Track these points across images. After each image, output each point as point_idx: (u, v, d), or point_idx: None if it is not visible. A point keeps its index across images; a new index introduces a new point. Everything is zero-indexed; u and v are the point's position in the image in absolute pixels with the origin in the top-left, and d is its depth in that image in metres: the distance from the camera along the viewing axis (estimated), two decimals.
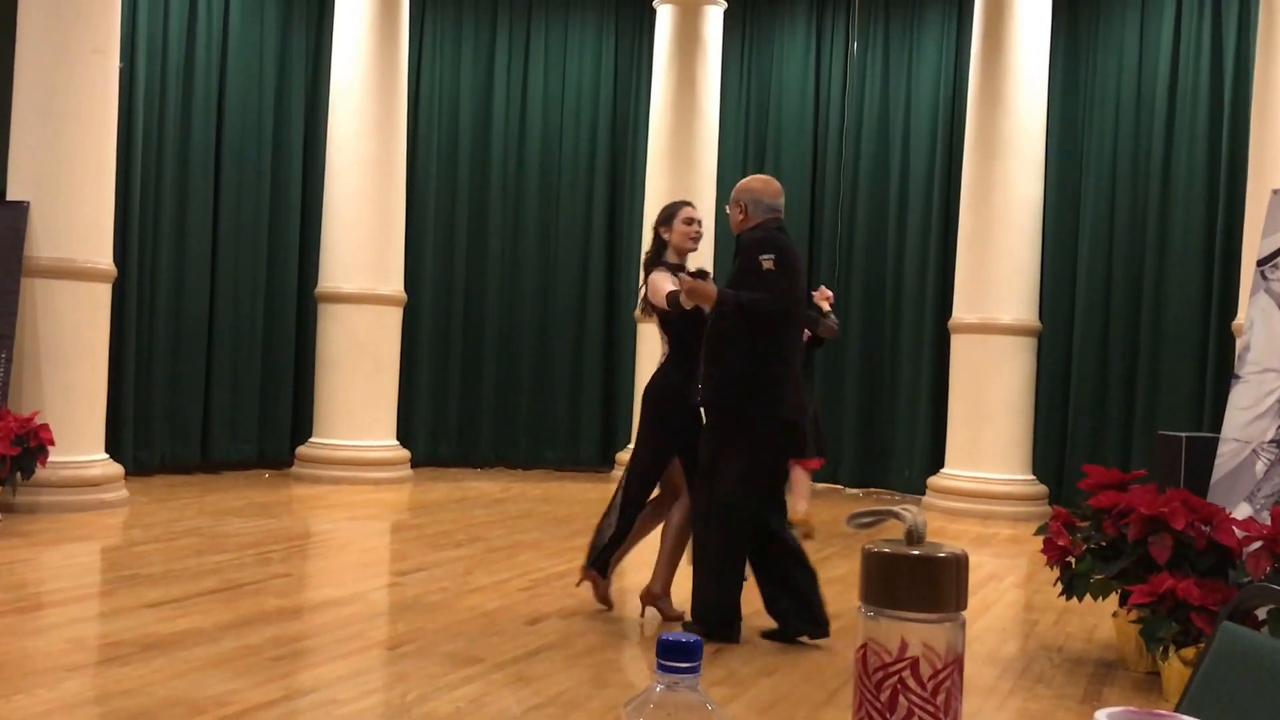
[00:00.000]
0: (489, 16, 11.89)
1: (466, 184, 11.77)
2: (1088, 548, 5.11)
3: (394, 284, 10.29)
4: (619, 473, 10.94)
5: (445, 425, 11.55)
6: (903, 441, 11.24)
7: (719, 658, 4.86)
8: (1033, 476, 10.14)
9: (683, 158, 11.01)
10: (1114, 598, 5.09)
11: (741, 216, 5.35)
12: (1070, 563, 5.18)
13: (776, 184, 5.48)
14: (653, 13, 11.42)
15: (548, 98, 11.98)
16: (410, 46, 10.79)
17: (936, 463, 10.46)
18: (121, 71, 8.41)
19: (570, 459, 11.67)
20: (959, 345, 10.21)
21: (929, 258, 11.18)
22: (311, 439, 10.18)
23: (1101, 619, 5.79)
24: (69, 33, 7.75)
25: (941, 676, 1.15)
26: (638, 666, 4.78)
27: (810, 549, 7.75)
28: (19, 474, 6.90)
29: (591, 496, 9.92)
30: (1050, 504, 9.61)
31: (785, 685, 4.55)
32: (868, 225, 11.54)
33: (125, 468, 8.40)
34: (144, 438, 9.66)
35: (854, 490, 11.37)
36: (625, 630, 5.41)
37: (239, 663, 4.42)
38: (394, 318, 10.34)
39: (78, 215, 7.81)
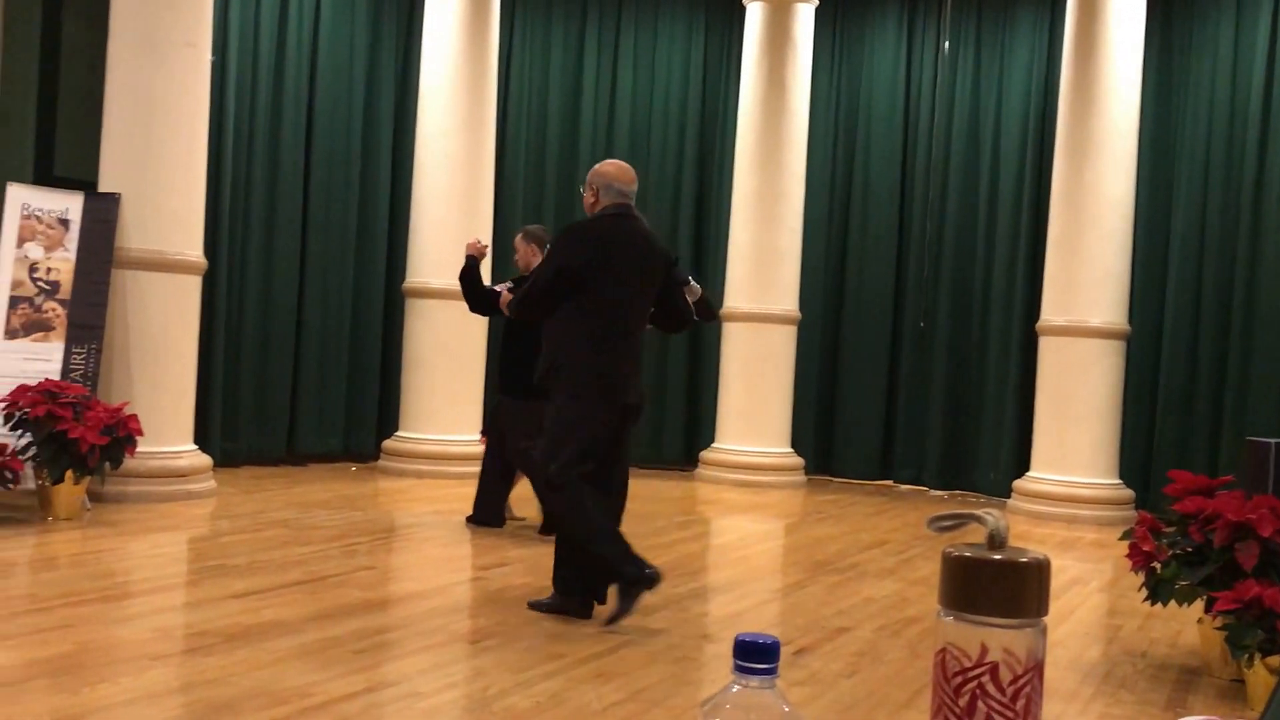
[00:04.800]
0: (578, 15, 11.93)
1: (554, 183, 11.82)
2: (1173, 553, 5.01)
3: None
4: (704, 470, 11.00)
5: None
6: (988, 444, 11.10)
7: (800, 659, 4.83)
8: (1119, 481, 9.97)
9: (771, 158, 10.96)
10: (1199, 604, 4.98)
11: (592, 200, 5.45)
12: (1155, 568, 5.08)
13: (631, 171, 5.52)
14: (742, 11, 11.38)
15: (636, 97, 11.99)
16: (500, 45, 10.85)
17: (1022, 466, 10.32)
18: (213, 65, 8.54)
19: (654, 456, 11.67)
20: (1047, 348, 10.06)
21: (1018, 259, 11.03)
22: (397, 433, 10.29)
23: (1186, 625, 5.67)
24: (160, 26, 7.88)
25: (1021, 682, 1.13)
26: (717, 665, 4.76)
27: (891, 552, 7.70)
28: (107, 464, 7.04)
29: (675, 494, 9.93)
30: (1136, 509, 9.45)
31: (865, 687, 4.51)
32: (957, 226, 11.42)
33: (213, 459, 8.54)
34: (231, 429, 9.83)
35: (938, 492, 11.26)
36: (706, 628, 5.40)
37: (322, 655, 4.46)
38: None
39: (168, 208, 7.94)
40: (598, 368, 5.16)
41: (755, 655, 1.09)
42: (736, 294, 11.08)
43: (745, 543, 8.33)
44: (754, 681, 1.09)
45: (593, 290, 5.16)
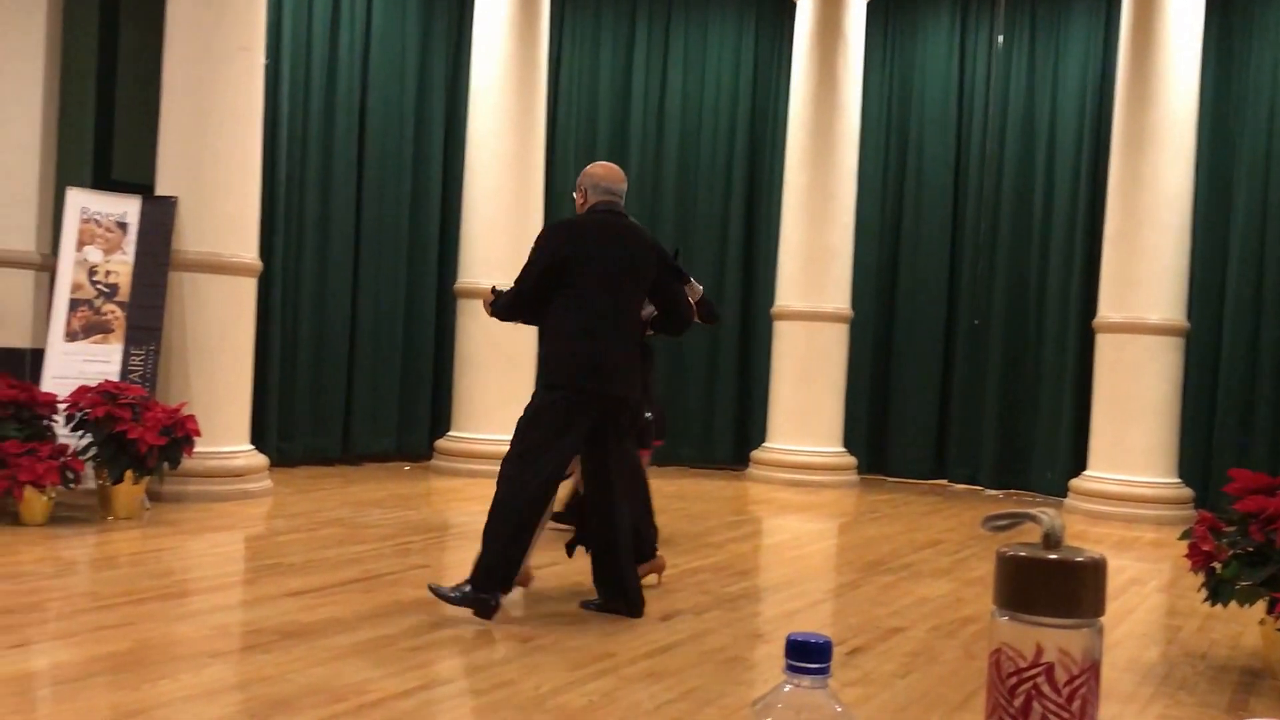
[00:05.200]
0: (628, 14, 11.94)
1: None
2: (1234, 553, 4.94)
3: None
4: (755, 470, 10.97)
5: None
6: (1044, 443, 11.00)
7: (853, 659, 4.80)
8: (1178, 480, 9.85)
9: (823, 155, 10.92)
10: (1261, 605, 4.91)
11: (581, 200, 5.48)
12: (1215, 568, 5.01)
13: (618, 170, 5.54)
14: (793, 7, 11.35)
15: (686, 94, 11.99)
16: (549, 44, 10.88)
17: (1079, 465, 10.21)
18: (266, 68, 8.63)
19: (705, 456, 11.66)
20: (1104, 345, 9.95)
21: (1074, 255, 10.92)
22: (450, 433, 10.35)
23: (1248, 626, 5.59)
24: (215, 30, 7.97)
25: (1077, 683, 1.12)
26: (770, 665, 4.75)
27: (946, 552, 7.65)
28: (166, 463, 7.12)
29: (726, 494, 9.92)
30: (1195, 508, 9.33)
31: (920, 687, 4.48)
32: (1011, 222, 11.31)
33: (269, 459, 8.63)
34: (287, 430, 9.93)
35: (993, 492, 11.17)
36: (759, 628, 5.39)
37: (377, 652, 4.50)
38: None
39: (224, 210, 8.03)
40: (578, 358, 5.13)
41: (807, 655, 1.08)
42: (788, 292, 11.04)
43: (797, 542, 8.31)
44: (806, 681, 1.09)
45: (578, 284, 5.17)
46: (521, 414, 5.27)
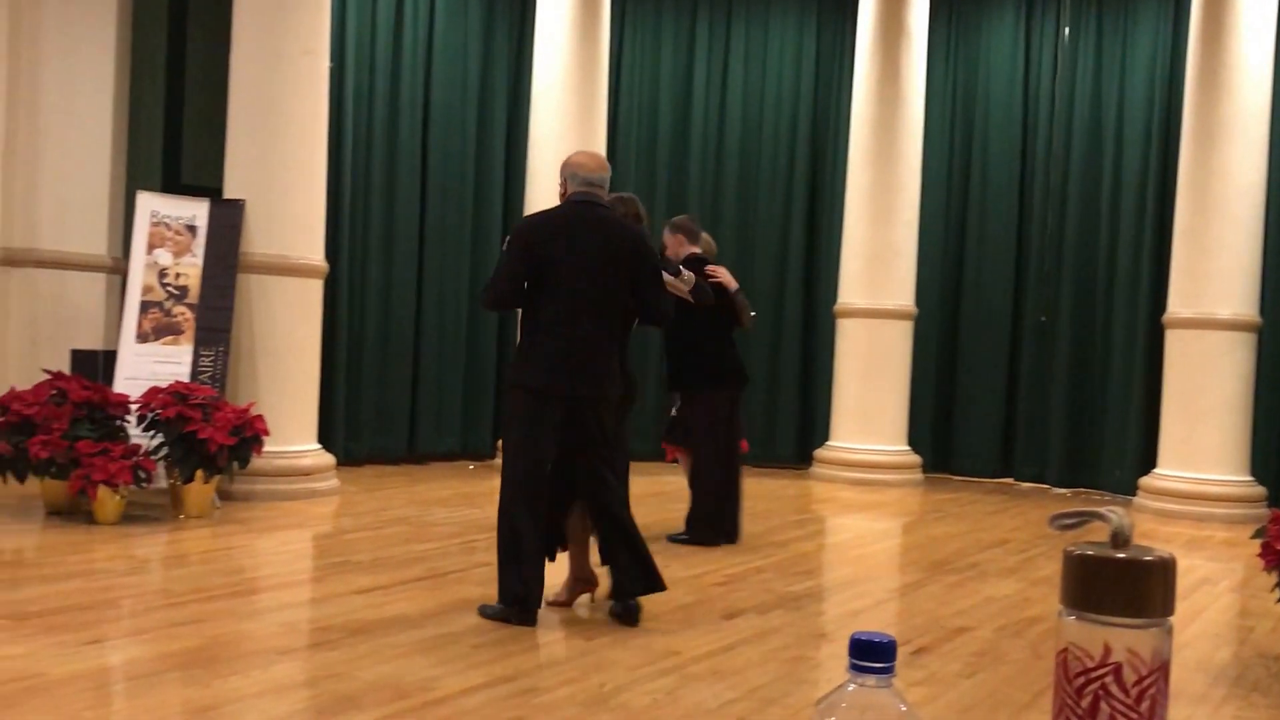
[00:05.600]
0: (689, 12, 11.93)
1: (665, 181, 11.84)
2: None
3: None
4: (818, 469, 10.92)
5: (642, 419, 11.64)
6: (1113, 441, 10.85)
7: (918, 659, 4.77)
8: (1250, 478, 9.68)
9: (886, 151, 10.85)
10: None
11: (562, 190, 5.34)
12: None
13: (600, 159, 5.41)
14: (855, 2, 11.29)
15: (747, 91, 11.96)
16: (610, 44, 10.91)
17: (1148, 463, 10.07)
18: (331, 72, 8.72)
19: (768, 455, 11.63)
20: (1174, 341, 9.81)
21: (1143, 250, 10.76)
22: None
23: None
24: (280, 35, 8.06)
25: (1146, 683, 1.10)
26: (834, 664, 4.73)
27: (1012, 551, 7.57)
28: (236, 463, 7.22)
29: (789, 493, 9.88)
30: (1269, 506, 9.17)
31: (986, 687, 4.44)
32: (1079, 217, 11.17)
33: (336, 458, 8.72)
34: (354, 429, 10.03)
35: (1061, 490, 11.04)
36: (823, 627, 5.37)
37: (442, 650, 4.53)
38: None
39: (290, 213, 8.12)
40: (545, 357, 5.04)
41: (871, 654, 1.08)
42: (851, 290, 10.99)
43: (861, 541, 8.26)
44: (870, 680, 1.08)
45: (549, 279, 5.05)
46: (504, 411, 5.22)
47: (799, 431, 11.80)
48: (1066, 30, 11.29)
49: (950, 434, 11.68)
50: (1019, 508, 9.74)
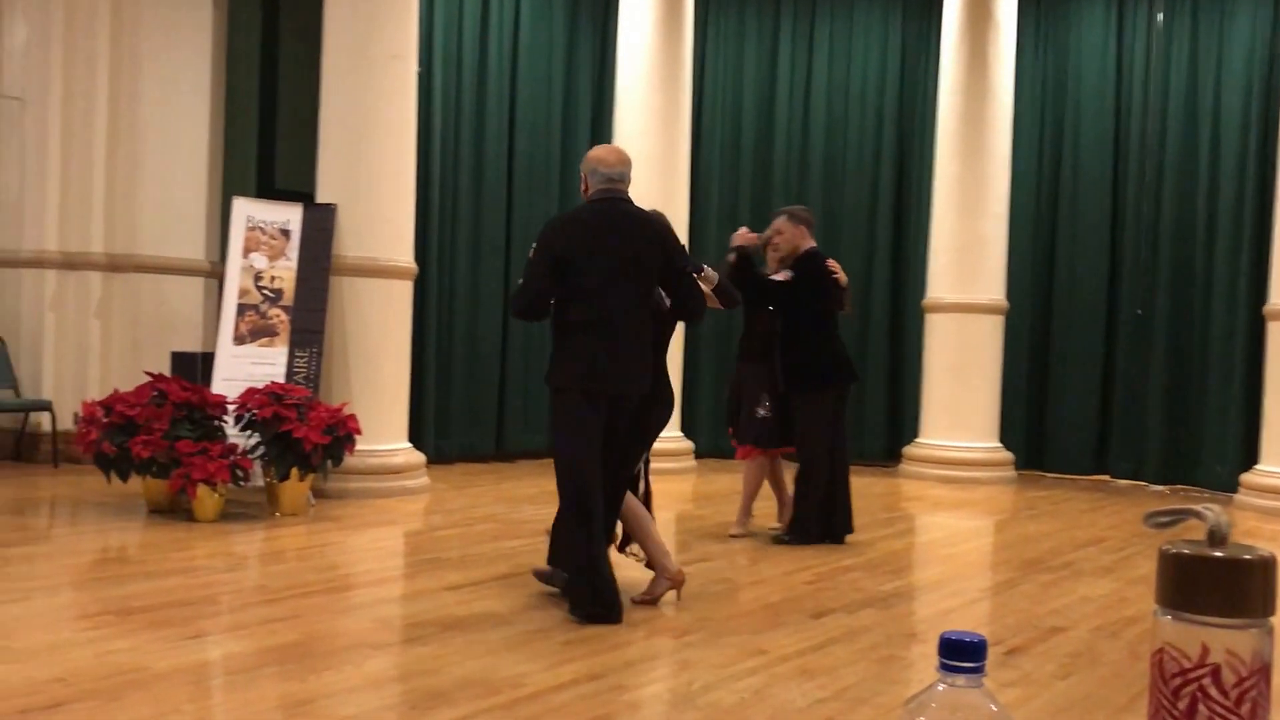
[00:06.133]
0: (772, 7, 11.89)
1: (749, 178, 11.82)
2: None
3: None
4: (907, 466, 10.82)
5: (721, 417, 11.63)
6: (1213, 436, 10.60)
7: (1012, 659, 4.71)
8: None
9: (974, 143, 10.72)
10: None
11: (584, 187, 5.30)
12: None
13: (619, 153, 5.33)
14: None
15: (832, 86, 11.88)
16: (694, 41, 10.90)
17: (1250, 459, 9.83)
18: (419, 76, 8.82)
19: (855, 452, 11.50)
20: (1275, 333, 9.56)
21: (1242, 240, 10.51)
22: None
23: None
24: (369, 41, 8.18)
25: (1246, 685, 1.08)
26: (924, 665, 4.69)
27: (1109, 550, 7.44)
28: (329, 461, 7.34)
29: (877, 490, 9.81)
30: None
31: (1082, 688, 4.38)
32: (1175, 207, 10.93)
33: (426, 456, 8.82)
34: (443, 427, 10.14)
35: (1159, 487, 10.83)
36: (913, 627, 5.32)
37: (531, 646, 4.56)
38: None
39: (381, 216, 8.23)
40: (579, 359, 5.03)
41: (961, 653, 1.07)
42: (939, 284, 10.87)
43: (952, 540, 8.18)
44: (960, 680, 1.07)
45: (577, 281, 5.02)
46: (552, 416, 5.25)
47: (888, 428, 11.70)
48: (1160, 16, 11.06)
49: (1043, 430, 11.50)
50: (1115, 505, 9.57)
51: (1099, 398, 11.29)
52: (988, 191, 10.74)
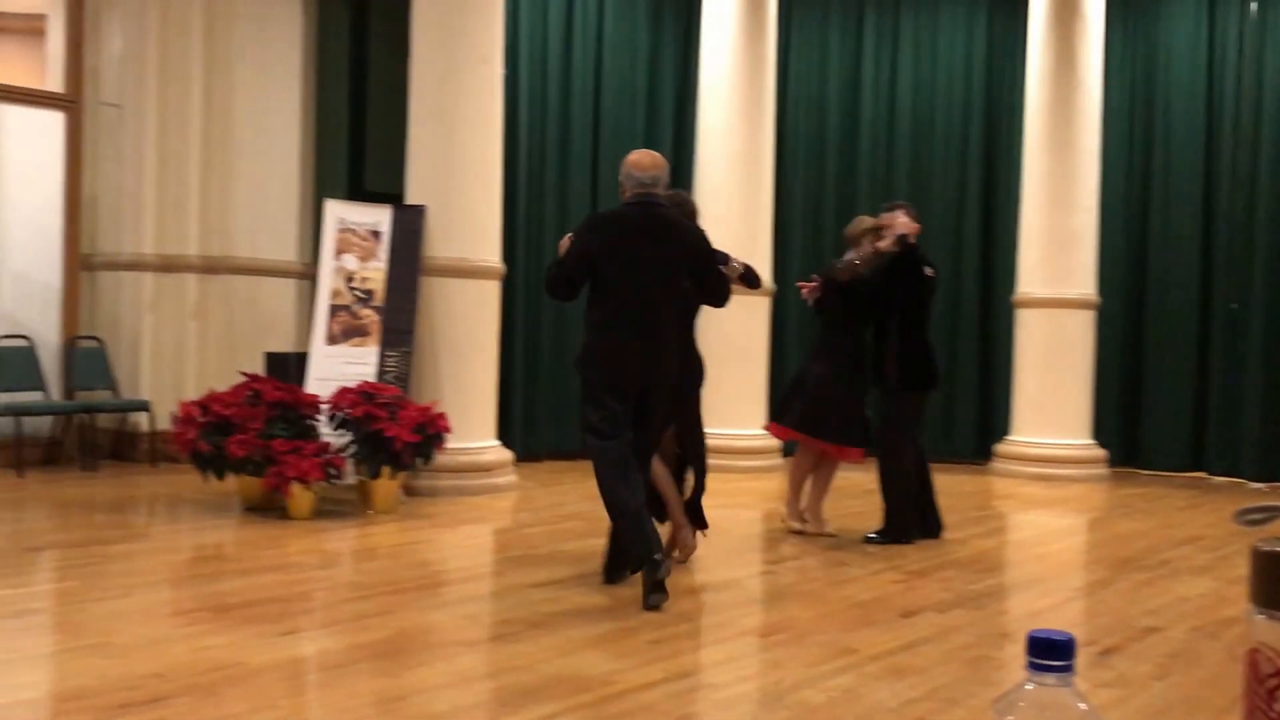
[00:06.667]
0: (856, 3, 11.80)
1: (833, 175, 11.75)
2: None
3: (761, 276, 10.44)
4: (998, 464, 10.69)
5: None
6: None
7: (1106, 659, 4.65)
8: None
9: (1063, 137, 10.57)
10: None
11: (622, 190, 5.54)
12: None
13: (653, 158, 5.58)
14: None
15: (917, 82, 11.77)
16: (777, 38, 10.87)
17: None
18: (505, 78, 8.90)
19: (945, 450, 11.44)
20: None
21: None
22: None
23: None
24: (457, 44, 8.27)
25: None
26: (1018, 665, 4.63)
27: (1206, 548, 7.29)
28: (420, 459, 7.43)
29: (968, 488, 9.71)
30: None
31: (1179, 690, 4.30)
32: (1271, 200, 10.68)
33: (514, 454, 8.90)
34: (530, 426, 10.23)
35: (1258, 485, 10.58)
36: (1005, 627, 5.27)
37: (620, 644, 4.59)
38: (762, 310, 10.48)
39: (469, 217, 8.32)
40: (601, 352, 5.34)
41: (1049, 652, 1.07)
42: (1030, 279, 10.73)
43: (1044, 539, 8.07)
44: (1049, 679, 1.07)
45: (604, 276, 5.32)
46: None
47: (978, 425, 11.57)
48: (1254, 5, 10.80)
49: (1137, 426, 11.30)
50: (1212, 503, 9.38)
51: (1193, 393, 11.07)
52: (1077, 185, 10.58)
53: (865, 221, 7.28)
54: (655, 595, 5.11)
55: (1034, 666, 1.07)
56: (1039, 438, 10.56)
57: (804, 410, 7.13)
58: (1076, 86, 10.57)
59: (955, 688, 4.20)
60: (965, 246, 11.62)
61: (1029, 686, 1.07)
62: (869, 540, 6.94)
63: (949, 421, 11.54)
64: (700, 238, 5.57)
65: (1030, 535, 8.25)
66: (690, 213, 6.06)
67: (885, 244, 7.03)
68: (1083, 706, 1.06)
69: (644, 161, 5.55)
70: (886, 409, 7.10)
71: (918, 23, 11.78)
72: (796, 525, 7.20)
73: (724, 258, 5.80)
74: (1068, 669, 1.07)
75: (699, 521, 6.18)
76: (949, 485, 9.70)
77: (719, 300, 5.70)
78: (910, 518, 7.00)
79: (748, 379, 10.34)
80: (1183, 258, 11.08)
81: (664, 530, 6.02)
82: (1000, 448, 10.88)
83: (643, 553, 5.16)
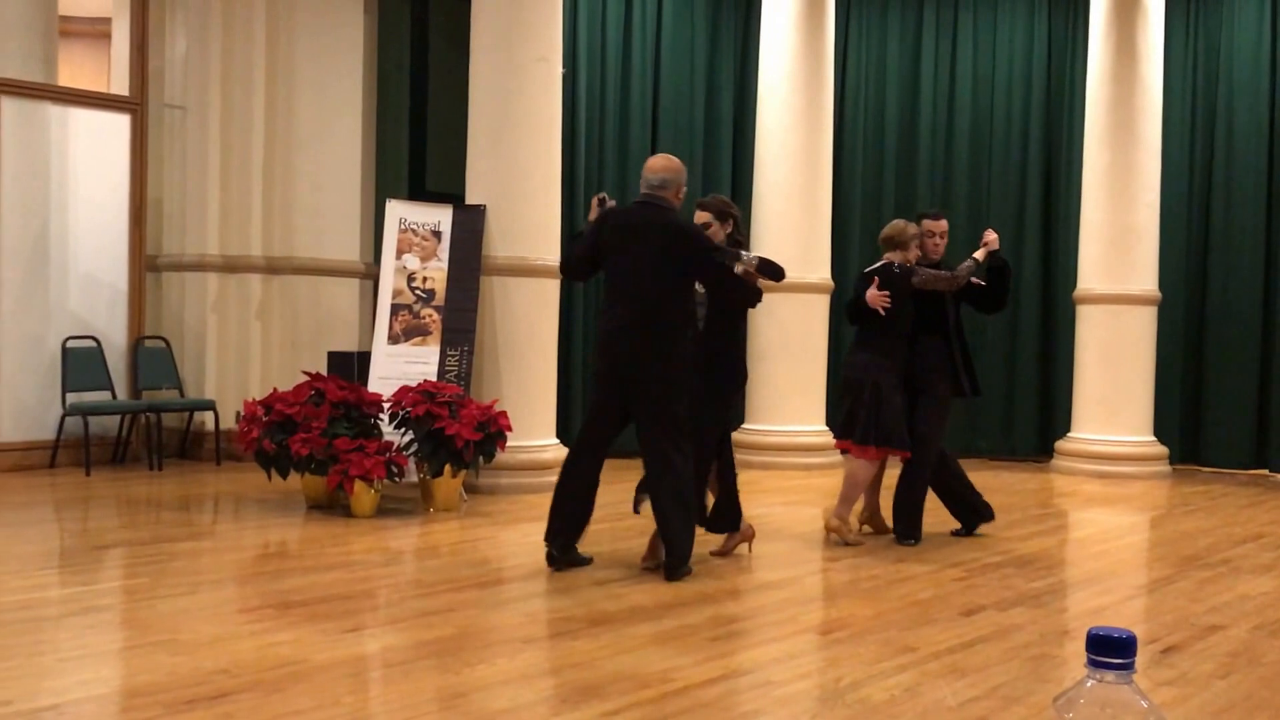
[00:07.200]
0: (915, 1, 11.74)
1: (892, 173, 11.70)
2: None
3: (820, 272, 10.42)
4: (1059, 461, 10.60)
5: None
6: None
7: (1168, 657, 4.62)
8: None
9: (1124, 132, 10.46)
10: None
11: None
12: None
13: (663, 161, 5.91)
14: None
15: (977, 78, 11.70)
16: (836, 36, 10.84)
17: None
18: (564, 77, 8.94)
19: (1005, 448, 11.37)
20: None
21: None
22: (743, 425, 10.44)
23: None
24: (515, 44, 8.33)
25: None
26: (1079, 663, 4.61)
27: (1269, 546, 7.20)
28: (481, 458, 7.49)
29: (1029, 486, 9.65)
30: None
31: (1242, 689, 4.27)
32: None
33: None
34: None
35: None
36: (1066, 624, 5.25)
37: (680, 641, 4.62)
38: (821, 306, 10.46)
39: (528, 216, 8.37)
40: (599, 339, 5.90)
41: (1110, 649, 1.08)
42: (1090, 275, 10.64)
43: (1106, 536, 8.01)
44: (1109, 676, 1.08)
45: (605, 269, 5.86)
46: None
47: (1039, 423, 11.48)
48: None
49: (1199, 424, 11.17)
50: (1275, 500, 9.26)
51: (1257, 391, 10.92)
52: (1139, 181, 10.48)
53: (909, 227, 7.03)
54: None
55: (1095, 664, 1.09)
56: (1100, 435, 10.47)
57: (879, 424, 6.90)
58: (1137, 82, 10.46)
59: (1016, 686, 4.19)
60: (1026, 243, 11.53)
61: (1090, 684, 1.09)
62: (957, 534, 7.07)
63: (1009, 419, 11.46)
64: (687, 237, 5.75)
65: (1091, 533, 8.19)
66: (730, 216, 6.09)
67: (981, 254, 6.99)
68: (1144, 704, 1.07)
69: (654, 164, 5.90)
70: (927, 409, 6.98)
71: (977, 19, 11.70)
72: (853, 537, 6.98)
73: (733, 255, 5.74)
74: (1128, 666, 1.08)
75: (725, 524, 6.27)
76: (1010, 483, 9.66)
77: (731, 298, 5.89)
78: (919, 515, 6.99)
79: (806, 375, 10.33)
80: (1245, 254, 10.94)
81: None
82: (1061, 445, 10.80)
83: (547, 530, 5.89)
